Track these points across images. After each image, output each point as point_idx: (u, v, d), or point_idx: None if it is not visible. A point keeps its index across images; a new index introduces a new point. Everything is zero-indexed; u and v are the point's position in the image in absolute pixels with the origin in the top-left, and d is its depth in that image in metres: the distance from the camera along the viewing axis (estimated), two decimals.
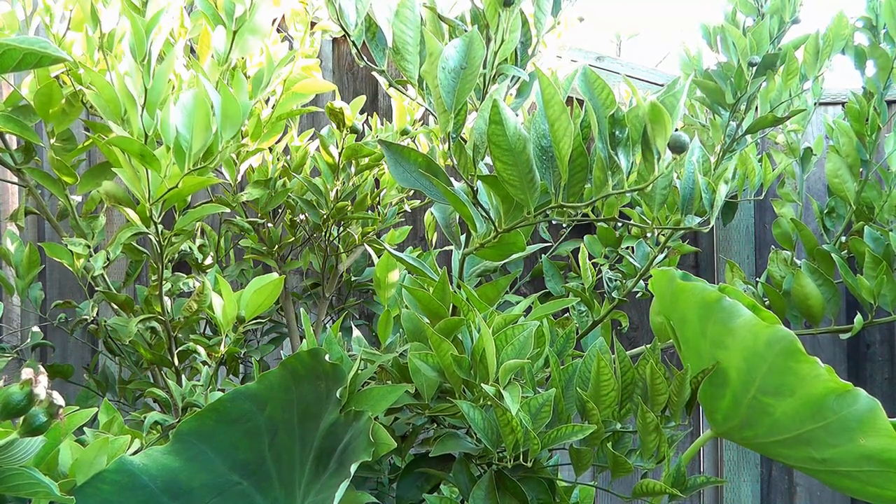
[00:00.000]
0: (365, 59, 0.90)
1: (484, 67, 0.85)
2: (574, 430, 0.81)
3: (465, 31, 0.84)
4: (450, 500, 0.85)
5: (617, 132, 0.73)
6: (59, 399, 0.62)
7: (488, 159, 0.80)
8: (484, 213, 0.84)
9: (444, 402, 0.89)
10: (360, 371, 0.89)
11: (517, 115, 0.78)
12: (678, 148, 0.73)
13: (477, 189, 0.84)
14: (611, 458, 0.86)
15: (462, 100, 0.75)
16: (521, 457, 0.82)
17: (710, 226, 0.87)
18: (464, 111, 0.77)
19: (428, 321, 0.89)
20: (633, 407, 0.89)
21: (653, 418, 0.84)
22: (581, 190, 0.77)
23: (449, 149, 0.79)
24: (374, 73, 0.95)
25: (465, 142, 0.82)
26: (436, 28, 0.87)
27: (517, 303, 1.60)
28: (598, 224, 1.55)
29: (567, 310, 1.40)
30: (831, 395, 0.79)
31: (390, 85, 0.92)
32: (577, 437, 0.81)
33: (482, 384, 0.78)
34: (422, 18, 0.83)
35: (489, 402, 0.80)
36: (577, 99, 1.81)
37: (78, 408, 0.86)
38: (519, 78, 0.90)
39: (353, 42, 0.87)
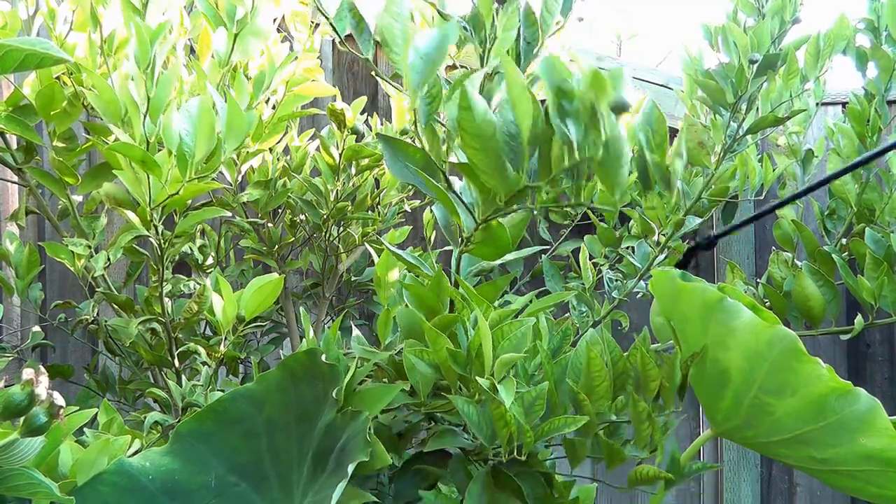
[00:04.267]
0: (362, 56, 0.90)
1: (482, 66, 0.85)
2: (567, 421, 0.81)
3: (464, 27, 0.85)
4: (447, 497, 0.85)
5: (564, 103, 0.72)
6: (59, 399, 0.62)
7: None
8: (466, 207, 0.84)
9: (439, 400, 0.89)
10: (356, 369, 0.89)
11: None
12: (619, 108, 0.71)
13: (449, 180, 0.84)
14: (605, 447, 0.86)
15: (428, 79, 0.75)
16: (516, 451, 0.82)
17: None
18: (438, 97, 0.76)
19: (424, 317, 0.89)
20: (625, 396, 0.89)
21: (644, 406, 0.84)
22: (550, 172, 0.76)
23: (419, 134, 0.79)
24: (377, 77, 0.94)
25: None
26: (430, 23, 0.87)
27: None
28: (599, 224, 1.55)
29: (567, 310, 1.40)
30: (832, 394, 0.79)
31: (386, 81, 0.92)
32: (569, 428, 0.81)
33: (477, 378, 0.78)
34: (411, 15, 0.83)
35: (485, 398, 0.80)
36: None
37: (78, 408, 0.86)
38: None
39: (337, 32, 0.87)
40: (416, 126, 0.79)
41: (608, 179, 0.74)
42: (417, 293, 0.89)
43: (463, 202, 0.83)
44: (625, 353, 0.89)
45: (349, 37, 0.91)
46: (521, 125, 0.72)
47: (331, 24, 0.87)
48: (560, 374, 0.88)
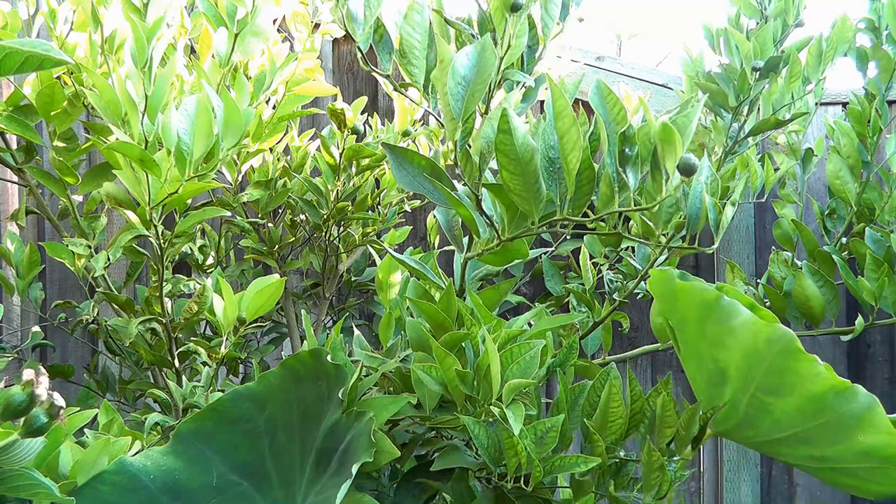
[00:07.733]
0: (370, 63, 0.90)
1: (497, 74, 0.85)
2: (578, 460, 0.81)
3: (472, 34, 0.84)
4: None
5: (626, 149, 0.72)
6: (59, 400, 0.62)
7: (494, 164, 0.80)
8: (487, 221, 0.83)
9: (445, 414, 0.89)
10: (362, 378, 0.89)
11: (522, 118, 0.78)
12: (687, 170, 0.72)
13: (481, 196, 0.84)
14: (611, 499, 0.86)
15: (471, 108, 0.74)
16: (522, 479, 0.81)
17: (714, 246, 0.87)
18: (472, 119, 0.76)
19: (431, 330, 0.89)
20: (638, 436, 0.89)
21: (658, 456, 0.84)
22: (586, 203, 0.77)
23: (455, 157, 0.79)
24: (377, 76, 0.94)
25: (471, 147, 0.82)
26: (442, 31, 0.87)
27: (517, 302, 1.60)
28: (599, 225, 1.55)
29: (567, 308, 1.40)
30: (831, 392, 0.79)
31: (394, 88, 0.92)
32: (580, 468, 0.81)
33: (488, 404, 0.78)
34: (430, 22, 0.83)
35: (491, 419, 0.80)
36: (582, 101, 1.81)
37: (78, 409, 0.86)
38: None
39: (359, 47, 0.87)
40: (455, 154, 0.78)
41: (657, 222, 0.75)
42: (427, 310, 0.89)
43: (486, 218, 0.83)
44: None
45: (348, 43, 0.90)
46: (569, 158, 0.72)
47: (358, 48, 0.87)
48: (573, 402, 0.88)
